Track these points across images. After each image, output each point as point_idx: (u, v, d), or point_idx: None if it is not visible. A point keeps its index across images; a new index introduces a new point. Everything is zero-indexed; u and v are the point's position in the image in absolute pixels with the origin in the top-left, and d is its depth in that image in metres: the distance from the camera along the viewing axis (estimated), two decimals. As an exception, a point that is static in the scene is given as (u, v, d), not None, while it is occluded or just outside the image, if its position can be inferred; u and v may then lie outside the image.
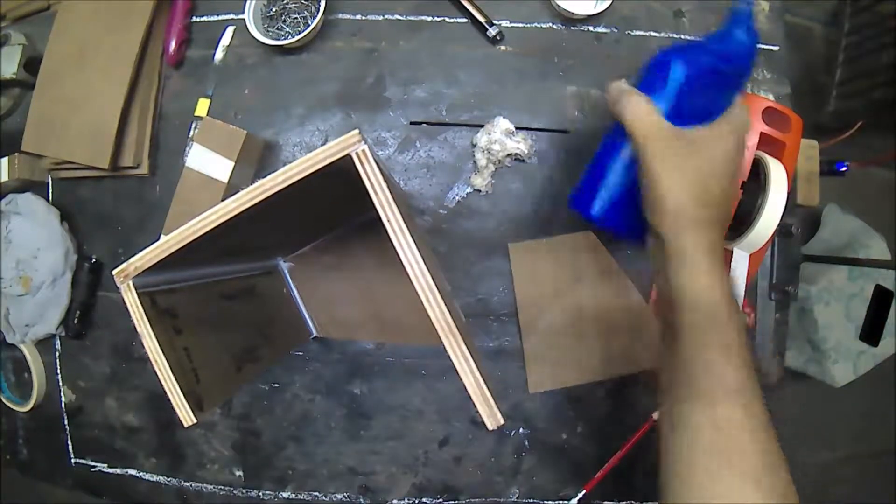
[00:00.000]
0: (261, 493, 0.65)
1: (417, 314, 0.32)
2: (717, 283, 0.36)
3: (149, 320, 0.34)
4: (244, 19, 0.62)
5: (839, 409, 1.48)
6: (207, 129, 0.60)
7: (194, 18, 0.67)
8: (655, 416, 0.62)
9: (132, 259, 0.34)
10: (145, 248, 0.34)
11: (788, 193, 0.50)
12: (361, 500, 0.65)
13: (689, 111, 0.42)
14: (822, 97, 1.40)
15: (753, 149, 0.51)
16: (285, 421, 0.65)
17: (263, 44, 0.62)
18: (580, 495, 0.63)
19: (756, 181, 0.52)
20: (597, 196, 0.46)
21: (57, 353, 0.69)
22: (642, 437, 0.62)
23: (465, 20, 0.64)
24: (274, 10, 0.64)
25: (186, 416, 0.35)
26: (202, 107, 0.64)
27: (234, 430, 0.65)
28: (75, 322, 0.65)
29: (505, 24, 0.64)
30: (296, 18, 0.64)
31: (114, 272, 0.35)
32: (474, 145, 0.62)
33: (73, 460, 0.69)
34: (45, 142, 0.62)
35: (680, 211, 0.37)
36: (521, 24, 0.64)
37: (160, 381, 0.34)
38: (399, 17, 0.65)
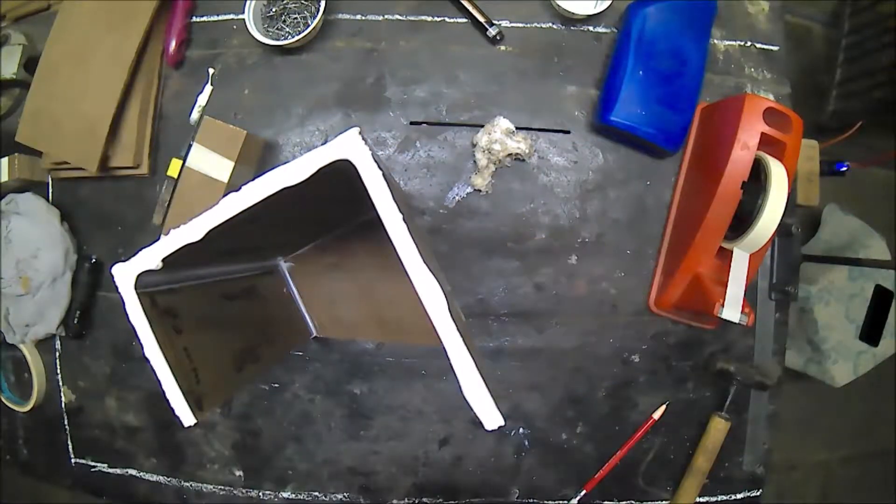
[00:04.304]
0: (261, 493, 0.65)
1: (417, 314, 0.32)
2: None
3: (149, 320, 0.34)
4: (244, 19, 0.62)
5: (839, 409, 1.48)
6: (207, 129, 0.60)
7: (194, 18, 0.67)
8: (656, 415, 0.62)
9: (132, 259, 0.34)
10: (145, 248, 0.34)
11: (788, 193, 0.50)
12: (361, 500, 0.65)
13: (656, 53, 0.57)
14: (822, 97, 1.40)
15: (754, 149, 0.51)
16: (285, 421, 0.65)
17: (263, 44, 0.62)
18: (580, 495, 0.63)
19: (756, 181, 0.52)
20: (616, 103, 0.57)
21: (57, 353, 0.69)
22: (642, 437, 0.62)
23: (465, 20, 0.64)
24: (274, 10, 0.64)
25: (186, 415, 0.35)
26: (174, 167, 0.62)
27: (234, 430, 0.65)
28: (75, 322, 0.65)
29: (505, 24, 0.64)
30: (296, 18, 0.64)
31: (112, 270, 0.34)
32: (474, 145, 0.62)
33: (73, 460, 0.69)
34: (39, 137, 0.62)
35: None
36: (521, 24, 0.64)
37: (160, 382, 0.34)
38: (399, 17, 0.65)
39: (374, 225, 0.32)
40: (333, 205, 0.50)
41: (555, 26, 0.64)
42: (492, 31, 0.62)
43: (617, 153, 0.63)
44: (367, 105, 0.64)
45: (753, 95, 0.53)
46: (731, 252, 0.53)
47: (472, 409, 0.31)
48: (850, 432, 1.51)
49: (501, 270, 0.62)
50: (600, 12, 0.61)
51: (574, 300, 0.62)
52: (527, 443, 0.63)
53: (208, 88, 0.65)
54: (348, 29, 0.65)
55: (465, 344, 0.31)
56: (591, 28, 0.64)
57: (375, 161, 0.32)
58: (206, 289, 0.44)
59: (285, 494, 0.65)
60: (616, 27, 0.63)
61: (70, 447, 0.69)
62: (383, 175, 0.32)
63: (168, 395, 0.34)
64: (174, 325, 0.37)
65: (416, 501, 0.64)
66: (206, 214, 0.33)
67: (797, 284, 0.63)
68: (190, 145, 0.60)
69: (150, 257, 0.34)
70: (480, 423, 0.31)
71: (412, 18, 0.65)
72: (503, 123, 0.60)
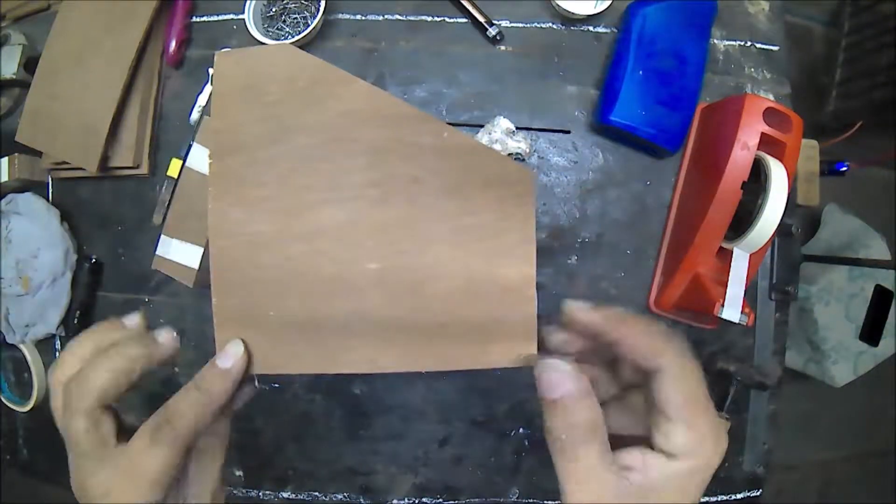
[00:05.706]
0: (261, 493, 0.65)
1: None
2: None
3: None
4: (244, 19, 0.62)
5: (839, 409, 1.48)
6: (207, 129, 0.60)
7: (194, 18, 0.67)
8: (655, 416, 0.62)
9: None
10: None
11: (788, 193, 0.50)
12: (361, 500, 0.65)
13: (656, 53, 0.57)
14: (822, 97, 1.40)
15: (754, 149, 0.51)
16: (285, 421, 0.65)
17: (263, 44, 0.62)
18: (580, 495, 0.63)
19: (756, 181, 0.52)
20: (616, 103, 0.57)
21: (57, 353, 0.69)
22: (642, 437, 0.62)
23: (465, 20, 0.64)
24: (274, 10, 0.64)
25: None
26: (174, 167, 0.62)
27: (234, 430, 0.65)
28: (75, 322, 0.65)
29: (505, 24, 0.64)
30: (296, 18, 0.64)
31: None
32: (474, 145, 0.62)
33: (73, 460, 0.69)
34: (39, 137, 0.62)
35: None
36: (521, 24, 0.64)
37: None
38: (399, 17, 0.65)
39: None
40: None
41: (555, 26, 0.64)
42: (492, 31, 0.62)
43: (617, 153, 0.63)
44: (367, 105, 0.64)
45: (753, 95, 0.53)
46: (731, 252, 0.53)
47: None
48: (850, 432, 1.51)
49: (501, 270, 0.62)
50: (600, 12, 0.61)
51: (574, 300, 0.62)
52: (527, 443, 0.63)
53: (208, 88, 0.65)
54: (348, 29, 0.65)
55: None
56: (591, 28, 0.64)
57: None
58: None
59: (285, 494, 0.65)
60: (616, 27, 0.64)
61: (70, 447, 0.69)
62: None
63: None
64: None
65: (417, 501, 0.64)
66: None
67: (797, 284, 0.63)
68: (190, 145, 0.60)
69: None
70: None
71: (412, 18, 0.65)
72: (503, 123, 0.60)
